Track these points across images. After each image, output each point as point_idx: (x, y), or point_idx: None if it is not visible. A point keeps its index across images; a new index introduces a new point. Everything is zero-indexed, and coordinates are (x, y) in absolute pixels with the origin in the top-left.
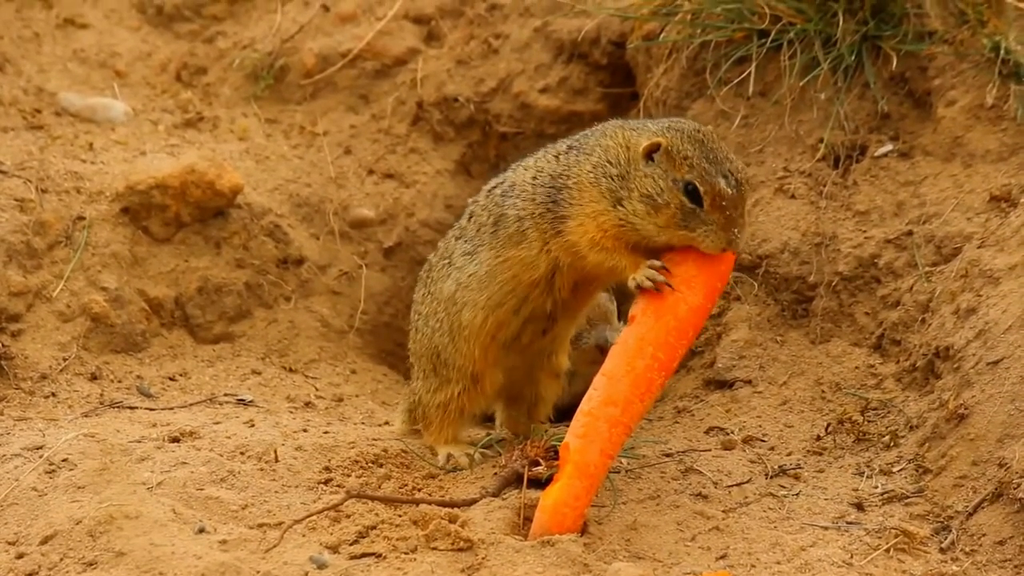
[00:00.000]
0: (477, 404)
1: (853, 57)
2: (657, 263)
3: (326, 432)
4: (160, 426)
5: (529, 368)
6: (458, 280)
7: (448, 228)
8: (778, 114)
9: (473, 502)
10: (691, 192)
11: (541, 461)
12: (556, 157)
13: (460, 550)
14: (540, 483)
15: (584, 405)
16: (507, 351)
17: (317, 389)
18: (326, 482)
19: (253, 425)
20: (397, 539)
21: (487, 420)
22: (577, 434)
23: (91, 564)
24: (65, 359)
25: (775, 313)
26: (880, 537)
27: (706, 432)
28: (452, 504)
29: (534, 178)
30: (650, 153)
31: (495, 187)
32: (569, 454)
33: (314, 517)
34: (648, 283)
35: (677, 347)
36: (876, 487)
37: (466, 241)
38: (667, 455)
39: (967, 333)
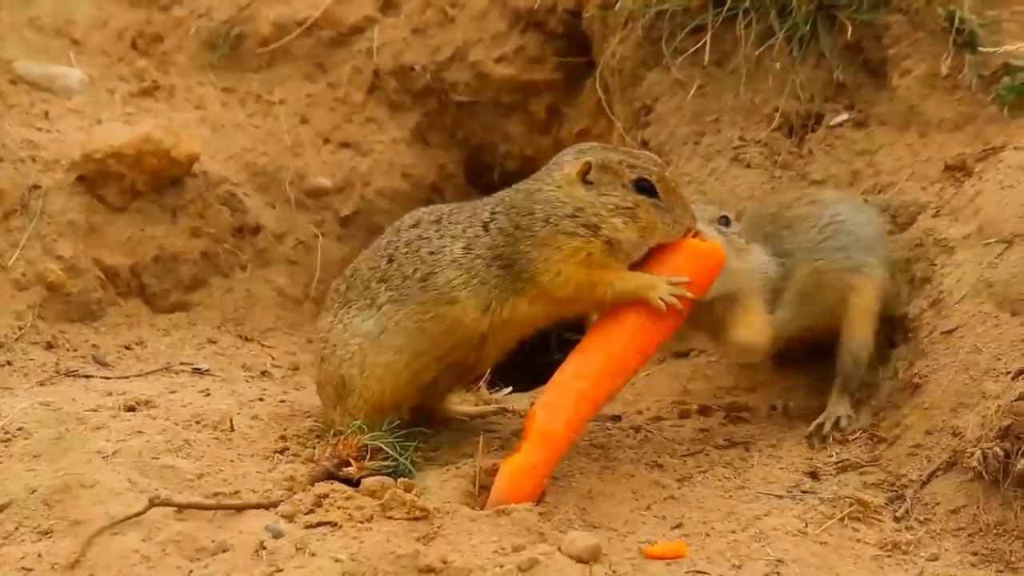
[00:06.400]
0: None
1: (808, 26)
2: (675, 278)
3: (282, 401)
4: (116, 395)
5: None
6: (383, 325)
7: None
8: (734, 83)
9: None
10: (644, 187)
11: (352, 461)
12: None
13: (416, 519)
14: (351, 482)
15: (556, 376)
16: (419, 390)
17: (273, 358)
18: (282, 451)
19: (209, 394)
20: (353, 508)
21: None
22: (544, 403)
23: (46, 533)
24: (20, 328)
25: None
26: (835, 506)
27: (662, 400)
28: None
29: (466, 248)
30: (584, 176)
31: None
32: (534, 423)
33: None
34: (674, 301)
35: (656, 332)
36: (831, 456)
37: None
38: (622, 423)
39: (921, 302)
